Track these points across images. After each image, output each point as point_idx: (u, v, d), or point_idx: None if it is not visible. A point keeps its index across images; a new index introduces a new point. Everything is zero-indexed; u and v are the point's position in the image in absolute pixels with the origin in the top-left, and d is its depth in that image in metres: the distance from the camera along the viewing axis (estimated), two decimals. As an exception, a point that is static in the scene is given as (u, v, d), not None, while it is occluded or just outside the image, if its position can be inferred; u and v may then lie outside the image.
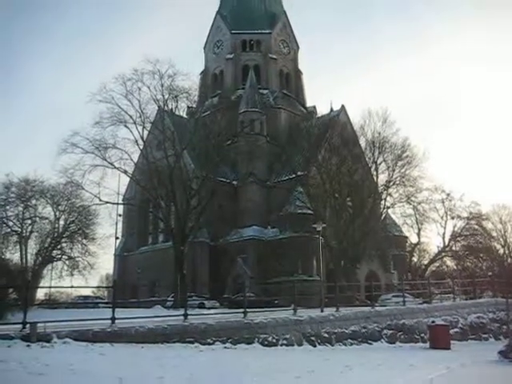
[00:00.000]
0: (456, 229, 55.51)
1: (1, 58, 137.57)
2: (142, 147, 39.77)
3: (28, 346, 12.20)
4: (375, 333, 21.81)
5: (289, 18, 66.92)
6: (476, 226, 56.22)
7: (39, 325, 12.99)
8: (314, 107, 62.11)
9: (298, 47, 67.43)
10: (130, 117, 38.47)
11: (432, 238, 55.76)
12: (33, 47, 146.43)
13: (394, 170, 44.20)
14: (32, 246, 47.34)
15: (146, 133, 39.92)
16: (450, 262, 60.04)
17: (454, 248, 56.89)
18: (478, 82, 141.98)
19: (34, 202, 47.56)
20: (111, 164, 38.42)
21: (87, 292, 51.88)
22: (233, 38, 63.73)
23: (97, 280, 68.47)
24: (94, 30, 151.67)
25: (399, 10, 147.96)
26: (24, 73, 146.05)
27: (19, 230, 46.59)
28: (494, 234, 59.06)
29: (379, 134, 44.10)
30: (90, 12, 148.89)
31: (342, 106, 55.14)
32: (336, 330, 20.26)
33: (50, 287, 50.38)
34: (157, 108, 40.70)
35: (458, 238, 56.40)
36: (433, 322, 22.81)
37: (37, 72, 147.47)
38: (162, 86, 39.11)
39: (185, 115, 45.23)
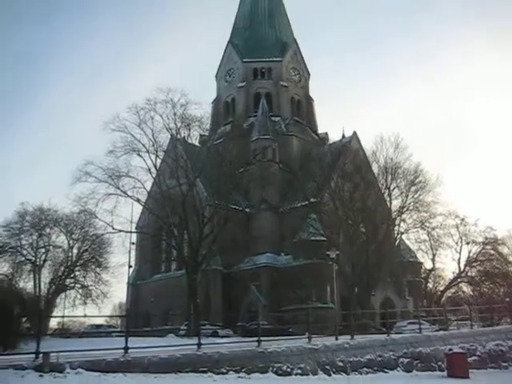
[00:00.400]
0: (471, 254, 54.87)
1: (16, 86, 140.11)
2: (154, 175, 40.06)
3: (41, 376, 12.13)
4: (391, 361, 21.43)
5: (299, 45, 67.64)
6: (492, 251, 55.49)
7: (52, 355, 12.92)
8: (326, 134, 62.32)
9: (308, 74, 67.97)
10: (143, 145, 38.93)
11: (447, 264, 55.29)
12: (48, 75, 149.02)
13: (407, 196, 44.10)
14: (45, 275, 47.44)
15: (158, 161, 40.26)
16: (466, 288, 59.21)
17: (469, 274, 56.13)
18: (492, 107, 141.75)
19: (48, 230, 47.80)
20: (124, 193, 38.76)
21: (100, 321, 51.54)
22: (244, 67, 64.42)
23: (110, 308, 68.43)
24: (107, 58, 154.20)
25: (410, 34, 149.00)
26: (40, 101, 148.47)
27: (33, 258, 46.74)
28: (511, 259, 58.26)
29: (391, 159, 44.20)
30: (103, 41, 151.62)
31: (354, 133, 55.26)
32: (351, 359, 19.95)
33: (63, 316, 50.28)
34: (169, 136, 41.08)
35: (474, 264, 55.66)
36: (450, 349, 22.40)
37: (52, 101, 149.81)
38: (175, 114, 39.59)
39: (197, 143, 45.57)
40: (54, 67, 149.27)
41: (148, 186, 40.56)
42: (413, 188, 44.17)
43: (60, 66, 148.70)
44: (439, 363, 22.76)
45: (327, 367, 18.88)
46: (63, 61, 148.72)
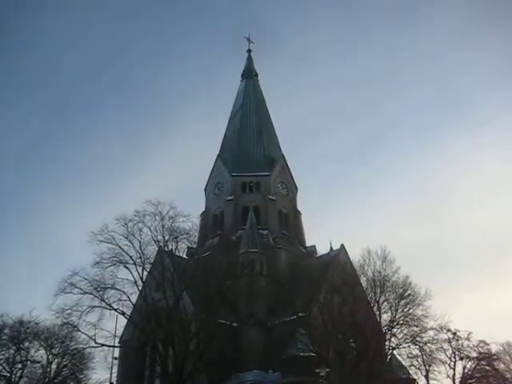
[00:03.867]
0: (466, 370, 53.01)
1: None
2: (141, 288, 39.62)
3: None
4: None
5: (287, 160, 69.76)
6: (487, 367, 53.78)
7: None
8: (314, 246, 62.55)
9: (296, 188, 69.47)
10: (130, 257, 39.07)
11: (442, 381, 52.96)
12: (36, 178, 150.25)
13: (396, 310, 43.58)
14: (20, 393, 45.18)
15: (145, 273, 40.05)
16: (465, 410, 56.61)
17: (466, 392, 53.97)
18: (481, 218, 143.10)
19: (26, 344, 46.18)
20: (109, 305, 38.29)
21: None
22: (233, 180, 65.85)
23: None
24: (95, 167, 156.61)
25: (393, 148, 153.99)
26: (23, 205, 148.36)
27: (8, 374, 44.73)
28: (508, 375, 56.31)
29: (380, 272, 44.26)
30: (92, 150, 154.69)
31: (342, 246, 55.42)
32: None
33: None
34: (157, 249, 41.10)
35: (470, 381, 53.53)
36: None
37: (36, 206, 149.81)
38: (163, 227, 40.10)
39: (185, 256, 45.53)
40: (43, 169, 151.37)
41: (134, 298, 40.04)
42: (402, 302, 43.75)
43: (49, 168, 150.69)
44: None
45: None
46: (53, 162, 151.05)
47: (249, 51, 79.69)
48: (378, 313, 43.82)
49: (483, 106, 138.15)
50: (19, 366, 45.51)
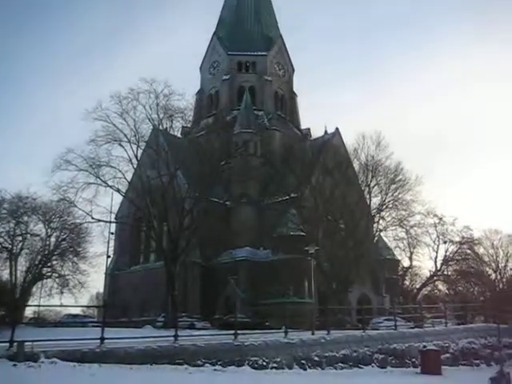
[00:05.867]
0: (448, 253, 55.43)
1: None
2: (135, 166, 39.79)
3: (14, 365, 12.05)
4: (366, 357, 21.66)
5: (285, 40, 67.62)
6: (468, 251, 56.15)
7: (27, 344, 12.83)
8: (309, 129, 62.39)
9: (293, 70, 67.99)
10: (125, 135, 38.58)
11: (424, 262, 55.64)
12: (30, 62, 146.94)
13: (386, 194, 44.56)
14: (22, 263, 46.73)
15: (140, 152, 39.97)
16: (441, 287, 59.95)
17: (446, 272, 56.78)
18: (475, 107, 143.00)
19: (25, 218, 47.05)
20: (104, 182, 38.49)
21: (76, 311, 51.19)
22: (229, 59, 64.20)
23: (87, 298, 67.72)
24: (90, 47, 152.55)
25: (400, 30, 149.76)
26: (20, 87, 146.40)
27: (9, 246, 46.01)
28: (486, 258, 59.05)
29: (372, 157, 44.64)
30: (87, 30, 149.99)
31: (336, 129, 55.37)
32: (327, 354, 20.12)
33: (38, 306, 49.81)
34: (151, 127, 40.78)
35: (450, 263, 56.27)
36: (424, 346, 22.71)
37: (33, 87, 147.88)
38: (158, 105, 39.27)
39: (179, 135, 45.32)
40: (40, 51, 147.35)
41: (129, 176, 40.23)
42: (392, 186, 44.63)
43: (46, 51, 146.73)
44: (413, 360, 23.07)
45: (303, 362, 19.04)
46: (51, 45, 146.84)
47: None
48: (368, 196, 44.77)
49: None
50: (19, 238, 46.68)
